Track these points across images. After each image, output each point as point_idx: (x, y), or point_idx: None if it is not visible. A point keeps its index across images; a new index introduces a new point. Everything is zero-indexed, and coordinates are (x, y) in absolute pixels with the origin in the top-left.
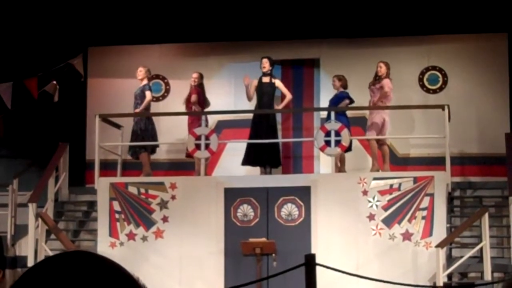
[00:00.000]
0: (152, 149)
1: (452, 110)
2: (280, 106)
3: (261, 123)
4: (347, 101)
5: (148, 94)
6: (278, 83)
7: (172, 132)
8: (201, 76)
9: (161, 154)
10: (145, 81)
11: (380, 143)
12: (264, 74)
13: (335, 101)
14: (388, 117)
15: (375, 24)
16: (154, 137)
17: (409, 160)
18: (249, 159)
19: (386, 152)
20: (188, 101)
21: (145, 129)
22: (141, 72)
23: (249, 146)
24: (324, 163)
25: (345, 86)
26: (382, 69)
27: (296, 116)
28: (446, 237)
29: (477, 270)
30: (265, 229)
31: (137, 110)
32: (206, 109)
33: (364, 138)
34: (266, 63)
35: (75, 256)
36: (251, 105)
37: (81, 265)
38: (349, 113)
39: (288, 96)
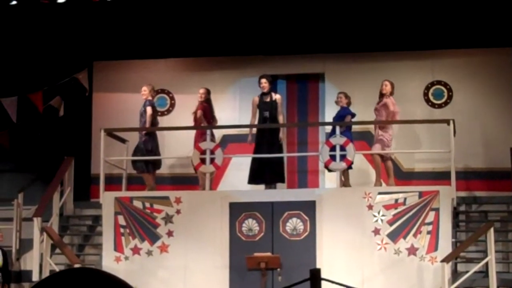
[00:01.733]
0: (155, 165)
1: (457, 124)
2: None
3: (265, 140)
4: (349, 116)
5: (148, 110)
6: (279, 100)
7: (177, 146)
8: (208, 92)
9: (165, 169)
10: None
11: (385, 158)
12: (264, 93)
13: (337, 118)
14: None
15: (380, 39)
16: (157, 156)
17: (414, 174)
18: (253, 178)
19: (390, 167)
20: (195, 117)
21: (150, 150)
22: (145, 92)
23: (253, 165)
24: (329, 177)
25: (349, 103)
26: (387, 88)
27: (301, 130)
28: (452, 252)
29: (482, 285)
30: (270, 243)
31: None
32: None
33: (368, 152)
34: (265, 83)
35: (81, 272)
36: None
37: (86, 282)
38: (353, 127)
39: (281, 118)
